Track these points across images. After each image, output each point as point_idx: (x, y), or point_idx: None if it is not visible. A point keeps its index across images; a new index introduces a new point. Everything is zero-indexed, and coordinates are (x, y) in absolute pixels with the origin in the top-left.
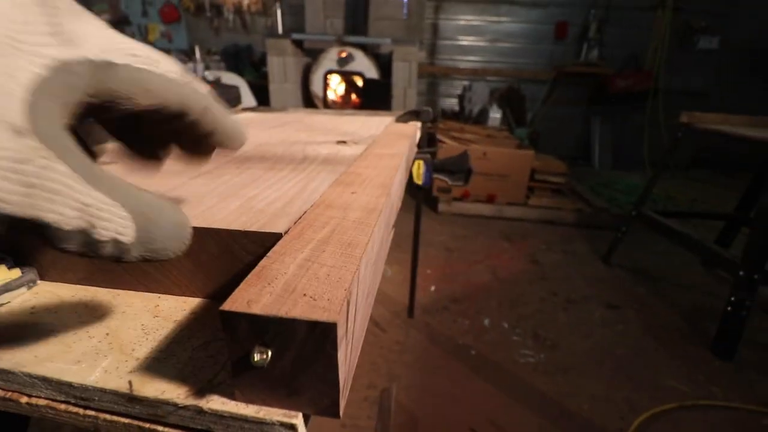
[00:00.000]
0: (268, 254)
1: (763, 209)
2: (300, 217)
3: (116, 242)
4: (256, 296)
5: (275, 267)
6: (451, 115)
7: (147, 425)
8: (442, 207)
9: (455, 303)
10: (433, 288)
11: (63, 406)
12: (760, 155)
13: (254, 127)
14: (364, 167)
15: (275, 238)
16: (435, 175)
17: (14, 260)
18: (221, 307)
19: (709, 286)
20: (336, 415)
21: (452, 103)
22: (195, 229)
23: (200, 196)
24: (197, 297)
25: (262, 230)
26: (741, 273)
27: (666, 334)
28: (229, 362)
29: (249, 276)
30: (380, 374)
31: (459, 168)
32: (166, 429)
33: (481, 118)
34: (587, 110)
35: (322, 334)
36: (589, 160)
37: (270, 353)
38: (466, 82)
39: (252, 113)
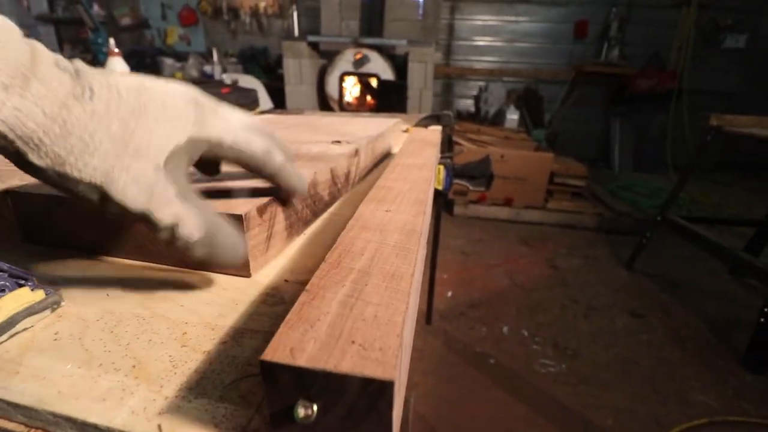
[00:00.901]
0: (307, 288)
1: None
2: (334, 243)
3: (188, 237)
4: (299, 343)
5: (316, 304)
6: (466, 117)
7: None
8: (458, 210)
9: (473, 309)
10: (449, 293)
11: None
12: None
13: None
14: (394, 180)
15: (237, 220)
16: (455, 180)
17: (36, 280)
18: (261, 357)
19: (738, 295)
20: None
21: (467, 105)
22: None
23: None
24: (179, 267)
25: (225, 211)
26: None
27: (693, 344)
28: (267, 412)
29: (289, 316)
30: None
31: (481, 173)
32: None
33: (498, 119)
34: (607, 111)
35: (376, 392)
36: (607, 161)
37: (315, 408)
38: (482, 83)
39: (269, 115)
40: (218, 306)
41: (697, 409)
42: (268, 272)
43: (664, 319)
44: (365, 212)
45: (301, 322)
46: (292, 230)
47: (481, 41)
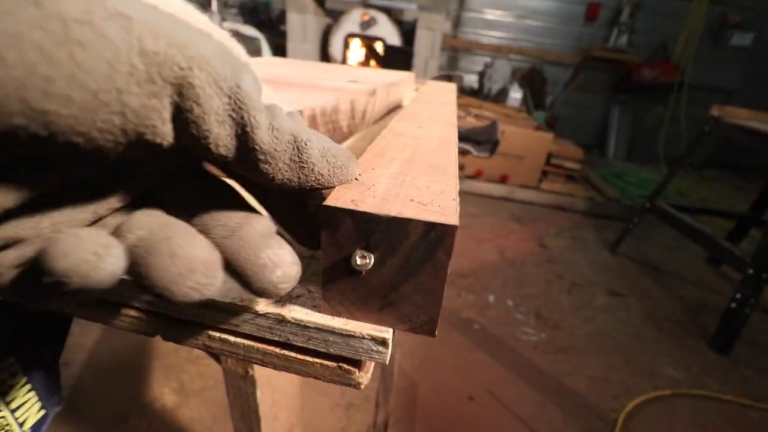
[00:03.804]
0: None
1: None
2: (374, 142)
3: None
4: (358, 197)
5: (366, 176)
6: (469, 92)
7: (217, 334)
8: None
9: (461, 278)
10: None
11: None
12: None
13: (273, 66)
14: (420, 109)
15: None
16: (460, 144)
17: None
18: (324, 203)
19: (712, 283)
20: (432, 332)
21: (471, 81)
22: None
23: None
24: None
25: None
26: (750, 271)
27: (666, 324)
28: (323, 267)
29: None
30: None
31: (486, 138)
32: (238, 339)
33: (501, 97)
34: (609, 98)
35: (438, 239)
36: (602, 149)
37: (373, 258)
38: (487, 59)
39: (277, 58)
40: None
41: (663, 381)
42: None
43: (642, 299)
44: (397, 126)
45: (356, 184)
46: None
47: (491, 15)
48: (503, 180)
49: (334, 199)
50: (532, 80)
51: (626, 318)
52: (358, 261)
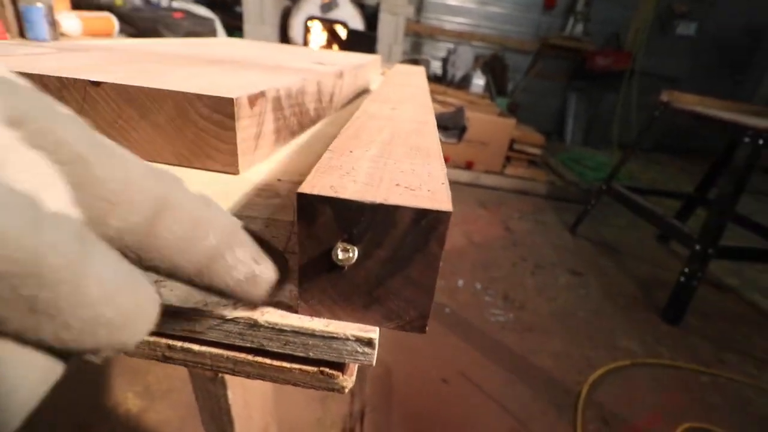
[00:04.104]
0: (329, 148)
1: (724, 191)
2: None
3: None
4: (338, 182)
5: (344, 159)
6: (433, 79)
7: (179, 344)
8: None
9: None
10: None
11: None
12: (723, 141)
13: (237, 47)
14: (391, 92)
15: (227, 103)
16: None
17: None
18: (299, 190)
19: (662, 260)
20: (423, 329)
21: (435, 67)
22: (152, 90)
23: (163, 74)
24: (156, 161)
25: (215, 94)
26: (697, 247)
27: (622, 299)
28: (299, 263)
29: (318, 165)
30: None
31: (454, 124)
32: (203, 348)
33: (464, 83)
34: (566, 85)
35: (429, 227)
36: (561, 135)
37: (356, 251)
38: (450, 45)
39: (235, 39)
40: None
41: (622, 353)
42: (257, 171)
43: (600, 277)
44: (370, 107)
45: (333, 169)
46: (279, 136)
47: (454, 0)
48: (469, 166)
49: (310, 186)
50: (494, 67)
51: (586, 296)
52: (340, 255)
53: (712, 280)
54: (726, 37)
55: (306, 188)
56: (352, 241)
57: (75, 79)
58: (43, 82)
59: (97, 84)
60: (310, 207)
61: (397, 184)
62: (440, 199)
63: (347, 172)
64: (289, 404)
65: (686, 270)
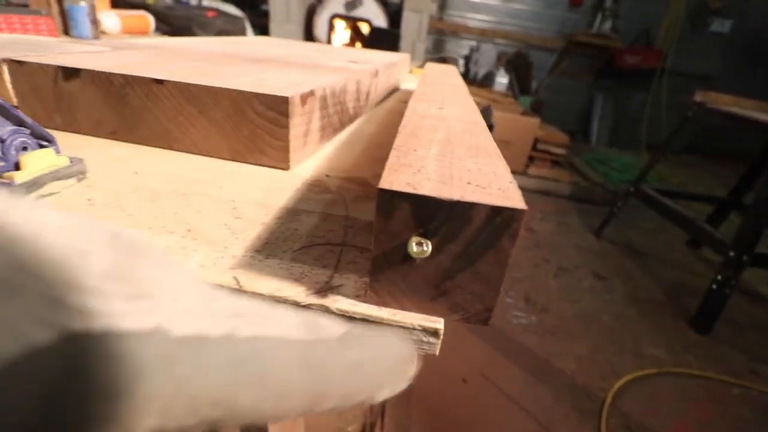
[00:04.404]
0: (394, 146)
1: (761, 195)
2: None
3: None
4: (413, 179)
5: (411, 157)
6: None
7: None
8: None
9: None
10: None
11: None
12: (758, 143)
13: (269, 45)
14: (432, 91)
15: (282, 101)
16: None
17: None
18: (379, 186)
19: (692, 265)
20: (487, 321)
21: (459, 65)
22: (212, 89)
23: (217, 72)
24: (212, 156)
25: (271, 93)
26: (731, 253)
27: (648, 305)
28: (373, 255)
29: (389, 163)
30: None
31: None
32: None
33: (487, 81)
34: (592, 84)
35: (503, 224)
36: (586, 134)
37: (430, 245)
38: (473, 43)
39: (269, 37)
40: (262, 190)
41: (648, 361)
42: (305, 167)
43: (625, 282)
44: (418, 107)
45: (404, 167)
46: (324, 133)
47: None
48: None
49: (389, 182)
50: (517, 65)
51: (611, 300)
52: (415, 248)
53: (746, 288)
54: (762, 35)
55: (385, 184)
56: (426, 235)
57: (140, 77)
58: (109, 79)
59: (160, 82)
60: (389, 202)
61: (469, 183)
62: (513, 197)
63: (418, 170)
64: None
65: (718, 277)
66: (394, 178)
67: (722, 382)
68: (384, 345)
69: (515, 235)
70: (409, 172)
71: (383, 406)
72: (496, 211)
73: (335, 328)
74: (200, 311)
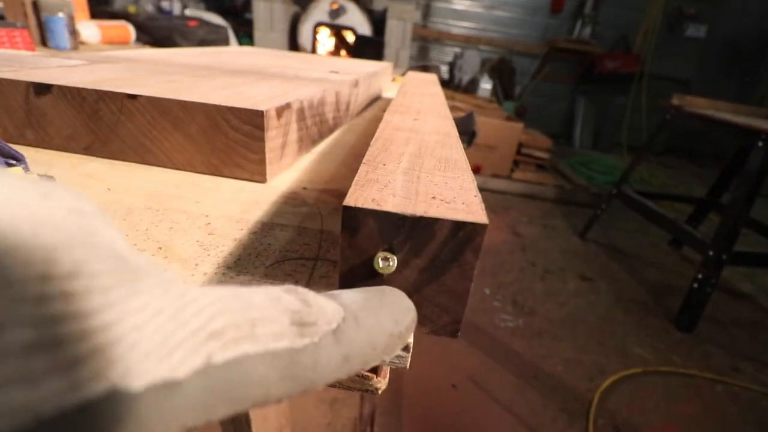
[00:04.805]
0: (364, 161)
1: (737, 195)
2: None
3: None
4: (378, 195)
5: (379, 172)
6: (440, 83)
7: None
8: None
9: None
10: None
11: None
12: (734, 145)
13: (252, 55)
14: (409, 101)
15: (257, 115)
16: None
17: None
18: (344, 203)
19: (674, 265)
20: (455, 333)
21: (442, 71)
22: (185, 103)
23: (192, 86)
24: (187, 171)
25: (246, 107)
26: (710, 253)
27: (633, 306)
28: (340, 271)
29: (356, 179)
30: None
31: (464, 129)
32: None
33: (471, 87)
34: (574, 89)
35: (466, 238)
36: (569, 138)
37: (396, 260)
38: (457, 50)
39: (247, 48)
40: (238, 204)
41: (633, 360)
42: (282, 180)
43: (610, 282)
44: (392, 119)
45: (371, 182)
46: (302, 145)
47: (460, 5)
48: (477, 170)
49: (353, 199)
50: (501, 71)
51: (596, 301)
52: (381, 264)
53: (726, 286)
54: (736, 39)
55: (350, 201)
56: (392, 250)
57: (113, 92)
58: (81, 95)
59: (133, 97)
60: (354, 219)
61: (433, 197)
62: (476, 212)
63: (385, 186)
64: (299, 408)
65: (699, 276)
66: (359, 195)
67: (706, 379)
68: (379, 326)
69: (478, 249)
70: (375, 188)
71: (373, 414)
72: (459, 225)
73: (331, 315)
74: (168, 345)
